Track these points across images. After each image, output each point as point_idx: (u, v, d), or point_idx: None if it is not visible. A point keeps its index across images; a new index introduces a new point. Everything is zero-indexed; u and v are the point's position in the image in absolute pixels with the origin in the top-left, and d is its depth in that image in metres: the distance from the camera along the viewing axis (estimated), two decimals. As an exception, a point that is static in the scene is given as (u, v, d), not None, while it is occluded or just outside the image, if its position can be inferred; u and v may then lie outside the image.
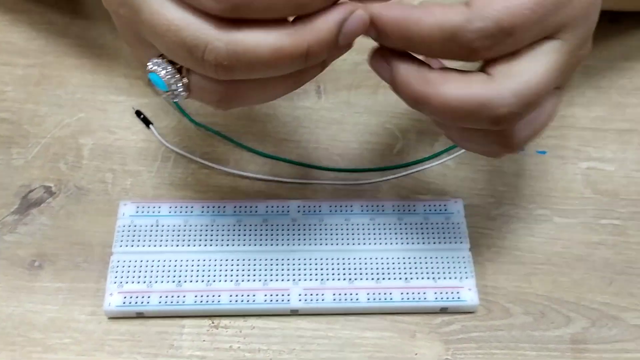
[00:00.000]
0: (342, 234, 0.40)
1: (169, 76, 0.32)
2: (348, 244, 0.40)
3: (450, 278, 0.38)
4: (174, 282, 0.38)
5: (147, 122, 0.46)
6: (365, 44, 0.31)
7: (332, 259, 0.39)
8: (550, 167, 0.45)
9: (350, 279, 0.38)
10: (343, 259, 0.39)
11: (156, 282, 0.38)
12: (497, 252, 0.41)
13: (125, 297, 0.37)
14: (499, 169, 0.44)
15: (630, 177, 0.44)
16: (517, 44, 0.30)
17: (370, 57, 0.32)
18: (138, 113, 0.47)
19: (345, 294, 0.38)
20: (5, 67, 0.49)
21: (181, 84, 0.32)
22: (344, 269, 0.39)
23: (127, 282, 0.38)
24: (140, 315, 0.38)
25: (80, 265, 0.40)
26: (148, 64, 0.33)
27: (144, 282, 0.38)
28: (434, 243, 0.40)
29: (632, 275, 0.40)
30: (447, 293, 0.38)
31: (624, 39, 0.51)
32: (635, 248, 0.41)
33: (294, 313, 0.38)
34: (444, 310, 0.38)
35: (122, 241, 0.39)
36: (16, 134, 0.45)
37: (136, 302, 0.37)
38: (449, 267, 0.39)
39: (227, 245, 0.39)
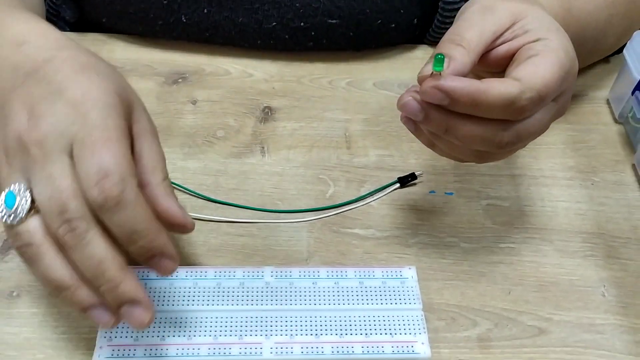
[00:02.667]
0: (309, 296, 0.37)
1: (23, 204, 0.30)
2: (315, 303, 0.37)
3: (405, 333, 0.36)
4: (158, 337, 0.34)
5: None
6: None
7: (301, 317, 0.36)
8: (457, 205, 0.44)
9: (316, 334, 0.35)
10: (310, 317, 0.36)
11: (142, 337, 0.34)
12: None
13: (113, 350, 0.34)
14: (414, 208, 0.43)
15: (522, 210, 0.44)
16: (546, 103, 0.35)
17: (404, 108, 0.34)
18: None
19: (312, 347, 0.35)
20: None
21: (23, 216, 0.31)
22: (311, 325, 0.36)
23: (115, 337, 0.34)
24: None
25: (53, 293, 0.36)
26: (14, 183, 0.31)
27: (131, 337, 0.34)
28: (391, 303, 0.37)
29: (526, 286, 0.39)
30: (402, 347, 0.35)
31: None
32: (528, 265, 0.41)
33: None
34: None
35: None
36: None
37: (123, 355, 0.34)
38: (404, 324, 0.36)
39: (207, 304, 0.36)
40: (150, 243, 0.31)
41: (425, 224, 0.43)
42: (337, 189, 0.44)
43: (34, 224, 0.31)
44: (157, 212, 0.32)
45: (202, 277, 0.37)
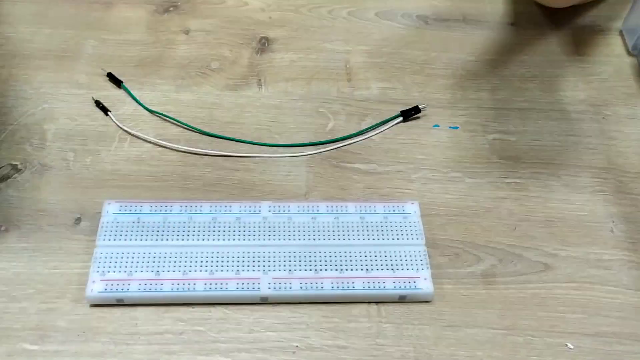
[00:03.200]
0: (309, 231, 0.36)
1: None
2: (314, 239, 0.35)
3: (407, 269, 0.35)
4: (152, 271, 0.33)
5: (105, 110, 0.41)
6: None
7: (300, 252, 0.35)
8: (462, 139, 0.42)
9: (315, 270, 0.34)
10: (309, 252, 0.35)
11: (136, 271, 0.33)
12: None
13: (106, 285, 0.33)
14: (418, 142, 0.42)
15: (529, 145, 0.42)
16: None
17: None
18: (97, 102, 0.42)
19: (311, 283, 0.34)
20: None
21: None
22: (310, 261, 0.34)
23: (109, 272, 0.33)
24: (120, 303, 0.33)
25: (43, 228, 0.36)
26: None
27: (125, 272, 0.33)
28: (393, 239, 0.36)
29: (533, 221, 0.38)
30: (405, 282, 0.34)
31: (521, 37, 0.49)
32: (535, 200, 0.39)
33: (264, 301, 0.34)
34: (402, 299, 0.34)
35: (105, 236, 0.34)
36: None
37: (117, 289, 0.33)
38: (406, 260, 0.35)
39: (203, 240, 0.35)
40: None
41: (428, 159, 0.41)
42: (337, 122, 0.43)
43: None
44: None
45: (197, 211, 0.36)
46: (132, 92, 0.43)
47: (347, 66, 0.46)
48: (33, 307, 0.33)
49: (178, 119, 0.42)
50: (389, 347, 0.33)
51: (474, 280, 0.36)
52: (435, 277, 0.35)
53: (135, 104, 0.42)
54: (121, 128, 0.41)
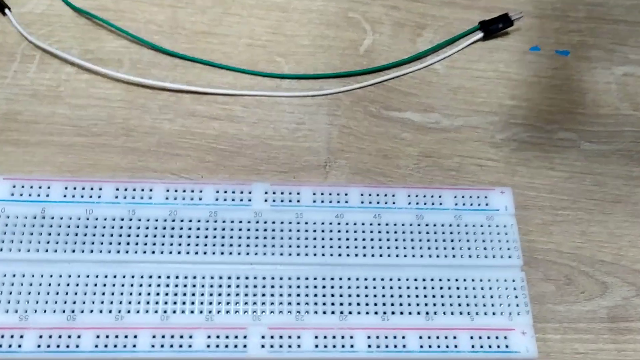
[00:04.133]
0: (330, 239, 0.21)
1: None
2: (339, 254, 0.21)
3: (493, 313, 0.21)
4: (63, 311, 0.20)
5: (2, 6, 0.26)
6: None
7: (315, 278, 0.21)
8: (575, 73, 0.27)
9: (341, 312, 0.20)
10: (331, 279, 0.21)
11: (36, 311, 0.19)
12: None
13: (-11, 332, 0.20)
14: (506, 76, 0.26)
15: None
16: None
17: None
18: None
19: (334, 337, 0.20)
20: None
21: None
22: (331, 295, 0.21)
23: (-8, 308, 0.20)
24: None
25: None
26: None
27: (16, 312, 0.19)
28: (470, 256, 0.21)
29: None
30: (489, 338, 0.20)
31: None
32: None
33: None
34: None
35: None
36: None
37: (0, 345, 0.19)
38: (491, 296, 0.21)
39: (153, 252, 0.21)
40: None
41: (522, 106, 0.26)
42: (377, 37, 0.27)
43: None
44: None
45: (145, 200, 0.21)
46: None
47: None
48: None
49: (121, 24, 0.26)
50: None
51: (596, 326, 0.22)
52: (534, 321, 0.21)
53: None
54: (26, 39, 0.25)
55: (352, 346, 0.20)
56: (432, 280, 0.21)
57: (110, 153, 0.24)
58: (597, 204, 0.24)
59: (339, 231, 0.22)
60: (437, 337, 0.20)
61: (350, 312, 0.20)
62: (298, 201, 0.22)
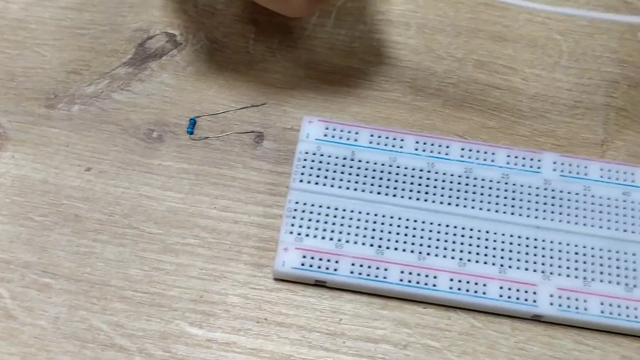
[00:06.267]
0: (619, 215, 0.23)
1: None
2: (625, 230, 0.22)
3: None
4: (372, 245, 0.22)
5: None
6: None
7: (602, 250, 0.22)
8: None
9: (627, 285, 0.22)
10: (618, 252, 0.22)
11: (348, 241, 0.22)
12: None
13: (305, 257, 0.22)
14: None
15: None
16: None
17: None
18: None
19: (619, 306, 0.21)
20: None
21: None
22: (619, 267, 0.22)
23: (307, 235, 0.22)
24: (320, 284, 0.22)
25: (210, 143, 0.25)
26: None
27: (332, 240, 0.22)
28: None
29: None
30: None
31: None
32: None
33: (536, 318, 0.22)
34: None
35: (303, 174, 0.23)
36: None
37: (319, 267, 0.22)
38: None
39: (450, 204, 0.23)
40: None
41: None
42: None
43: None
44: None
45: (442, 155, 0.23)
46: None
47: None
48: (195, 268, 0.23)
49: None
50: None
51: None
52: None
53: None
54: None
55: (636, 317, 0.21)
56: None
57: (399, 109, 0.26)
58: None
59: (625, 207, 0.23)
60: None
61: (635, 286, 0.22)
62: (586, 174, 0.23)
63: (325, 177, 0.23)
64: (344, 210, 0.23)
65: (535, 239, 0.22)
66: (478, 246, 0.22)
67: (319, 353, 0.22)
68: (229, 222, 0.24)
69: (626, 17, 0.25)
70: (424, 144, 0.24)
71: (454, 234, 0.22)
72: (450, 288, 0.22)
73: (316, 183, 0.23)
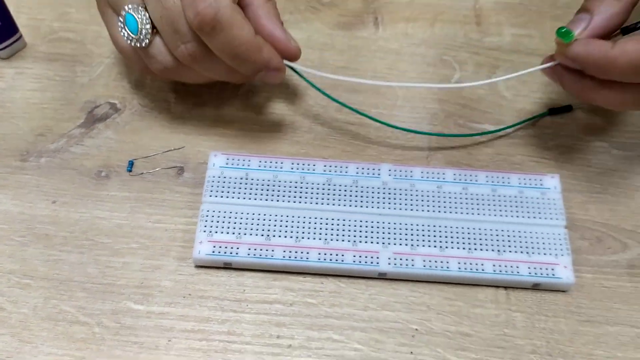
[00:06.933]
0: (434, 201, 0.33)
1: (144, 23, 0.31)
2: (439, 211, 0.32)
3: (545, 254, 0.32)
4: (262, 235, 0.31)
5: None
6: None
7: (424, 225, 0.32)
8: None
9: (441, 247, 0.31)
10: (434, 226, 0.32)
11: (245, 234, 0.31)
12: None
13: (214, 247, 0.31)
14: (556, 103, 0.37)
15: None
16: None
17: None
18: None
19: (436, 262, 0.31)
20: (68, -10, 0.41)
21: (149, 35, 0.31)
22: (435, 236, 0.32)
23: (216, 232, 0.31)
24: (227, 266, 0.31)
25: (145, 177, 0.34)
26: (127, 5, 0.32)
27: (233, 233, 0.31)
28: (529, 217, 0.32)
29: None
30: (541, 269, 0.31)
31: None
32: None
33: (382, 277, 0.31)
34: (535, 286, 0.32)
35: (211, 191, 0.32)
36: (80, 52, 0.38)
37: (225, 252, 0.31)
38: (544, 242, 0.32)
39: (317, 203, 0.32)
40: (253, 63, 0.32)
41: (567, 121, 0.37)
42: (464, 74, 0.39)
43: (158, 46, 0.32)
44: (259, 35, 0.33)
45: (310, 171, 0.33)
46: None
47: (476, 6, 0.42)
48: (137, 264, 0.32)
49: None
50: (519, 339, 0.30)
51: (618, 271, 0.32)
52: (573, 264, 0.32)
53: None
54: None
55: (448, 268, 0.31)
56: (502, 231, 0.32)
57: (282, 144, 0.36)
58: (622, 191, 0.35)
59: (438, 196, 0.33)
60: (505, 266, 0.31)
61: (447, 247, 0.31)
62: (411, 176, 0.33)
63: (227, 191, 0.33)
64: (241, 213, 0.32)
65: (377, 222, 0.32)
66: (337, 229, 0.32)
67: (230, 314, 0.31)
68: (160, 230, 0.33)
69: (439, 85, 0.36)
70: (297, 164, 0.34)
71: (320, 223, 0.32)
72: (319, 260, 0.31)
73: (221, 196, 0.33)
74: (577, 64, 0.30)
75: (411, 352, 0.30)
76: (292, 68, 0.34)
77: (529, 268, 0.31)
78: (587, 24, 0.30)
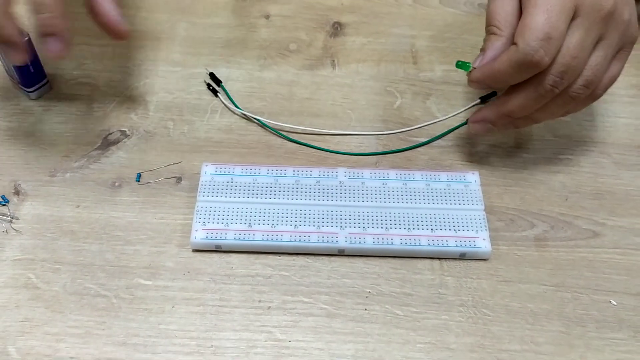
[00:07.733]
0: (380, 195, 0.41)
1: None
2: (385, 202, 0.41)
3: (468, 230, 0.40)
4: (245, 223, 0.40)
5: (217, 84, 0.48)
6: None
7: (372, 213, 0.40)
8: None
9: (386, 228, 0.40)
10: (381, 213, 0.40)
11: (231, 223, 0.40)
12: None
13: (207, 233, 0.39)
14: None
15: (582, 125, 0.47)
16: (560, 40, 0.37)
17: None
18: (208, 85, 0.48)
19: (383, 239, 0.39)
20: (84, 46, 0.50)
21: None
22: (381, 220, 0.40)
23: (209, 222, 0.40)
24: (218, 249, 0.40)
25: (150, 185, 0.42)
26: None
27: (222, 223, 0.40)
28: (455, 204, 0.41)
29: (583, 193, 0.43)
30: (465, 241, 0.40)
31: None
32: (586, 175, 0.44)
33: (341, 253, 0.40)
34: (462, 256, 0.40)
35: (204, 192, 0.41)
36: (96, 93, 0.48)
37: (216, 237, 0.39)
38: (467, 222, 0.40)
39: (288, 198, 0.41)
40: (50, 19, 0.37)
41: (489, 136, 0.46)
42: (404, 100, 0.48)
43: None
44: (93, 8, 0.39)
45: (282, 175, 0.42)
46: (226, 89, 0.48)
47: (413, 50, 0.52)
48: (145, 250, 0.40)
49: (261, 94, 0.48)
50: (450, 296, 0.39)
51: (527, 243, 0.41)
52: (492, 239, 0.40)
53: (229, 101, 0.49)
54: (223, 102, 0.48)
55: (392, 243, 0.39)
56: (434, 215, 0.40)
57: (260, 156, 0.44)
58: (530, 184, 0.43)
59: (384, 190, 0.41)
60: (437, 240, 0.40)
61: (390, 228, 0.40)
62: (362, 176, 0.42)
63: (217, 192, 0.41)
64: (228, 207, 0.41)
65: (336, 211, 0.41)
66: (304, 217, 0.40)
67: (221, 286, 0.39)
68: (163, 225, 0.41)
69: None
70: (272, 170, 0.42)
71: (291, 213, 0.40)
72: (290, 241, 0.39)
73: (212, 196, 0.41)
74: (479, 84, 0.39)
75: (365, 309, 0.38)
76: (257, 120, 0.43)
77: (456, 241, 0.40)
78: (482, 58, 0.40)
